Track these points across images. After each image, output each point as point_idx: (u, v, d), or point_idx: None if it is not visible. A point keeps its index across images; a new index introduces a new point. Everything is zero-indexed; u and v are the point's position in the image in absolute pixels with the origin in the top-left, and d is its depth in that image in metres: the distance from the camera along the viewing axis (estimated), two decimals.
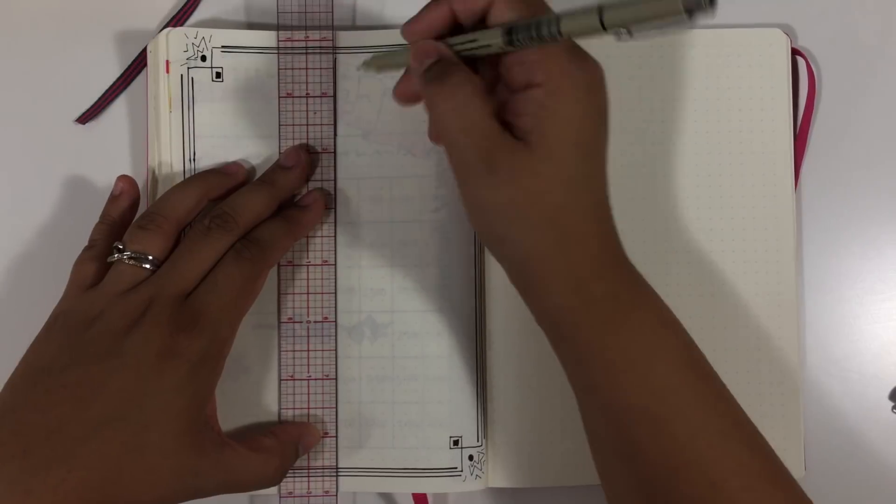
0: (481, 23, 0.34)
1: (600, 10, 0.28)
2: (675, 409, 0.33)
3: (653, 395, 0.33)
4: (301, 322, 0.43)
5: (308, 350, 0.43)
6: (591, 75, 0.33)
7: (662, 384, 0.33)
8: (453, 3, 0.34)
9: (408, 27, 0.35)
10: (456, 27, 0.35)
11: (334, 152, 0.44)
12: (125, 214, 0.42)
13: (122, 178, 0.43)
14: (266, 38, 0.44)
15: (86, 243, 0.41)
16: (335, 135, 0.44)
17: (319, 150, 0.44)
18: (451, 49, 0.34)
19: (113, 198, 0.42)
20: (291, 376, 0.43)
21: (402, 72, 0.37)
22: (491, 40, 0.33)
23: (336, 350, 0.43)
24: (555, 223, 0.33)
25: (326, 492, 0.43)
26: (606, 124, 0.34)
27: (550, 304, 0.35)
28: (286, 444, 0.40)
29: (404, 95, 0.37)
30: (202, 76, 0.44)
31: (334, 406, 0.43)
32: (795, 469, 0.44)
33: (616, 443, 0.34)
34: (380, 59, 0.39)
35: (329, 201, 0.44)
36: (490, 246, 0.36)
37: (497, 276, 0.44)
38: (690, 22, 0.26)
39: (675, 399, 0.33)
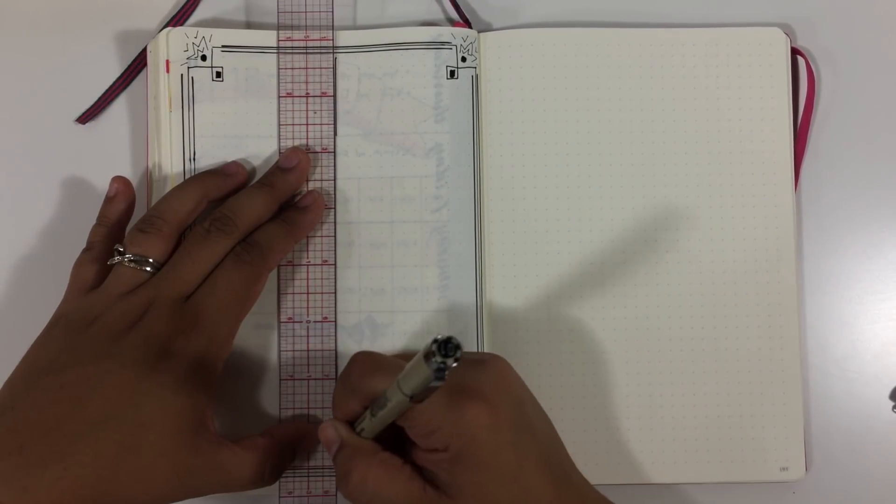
0: None
1: (398, 382, 0.31)
2: None
3: None
4: (301, 322, 0.43)
5: (308, 350, 0.43)
6: (484, 412, 0.34)
7: None
8: (338, 415, 0.37)
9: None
10: None
11: (334, 152, 0.44)
12: (121, 216, 0.42)
13: (117, 179, 0.43)
14: (266, 37, 0.44)
15: (85, 244, 0.41)
16: (335, 135, 0.44)
17: (319, 150, 0.44)
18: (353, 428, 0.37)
19: (108, 199, 0.42)
20: (291, 376, 0.43)
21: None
22: (365, 416, 0.36)
23: (336, 350, 0.43)
24: None
25: (326, 492, 0.42)
26: (526, 425, 0.35)
27: None
28: (282, 445, 0.40)
29: None
30: (202, 76, 0.44)
31: None
32: (796, 469, 0.44)
33: None
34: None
35: (329, 201, 0.44)
36: None
37: (497, 276, 0.44)
38: (442, 378, 0.29)
39: None
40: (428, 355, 0.28)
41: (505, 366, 0.37)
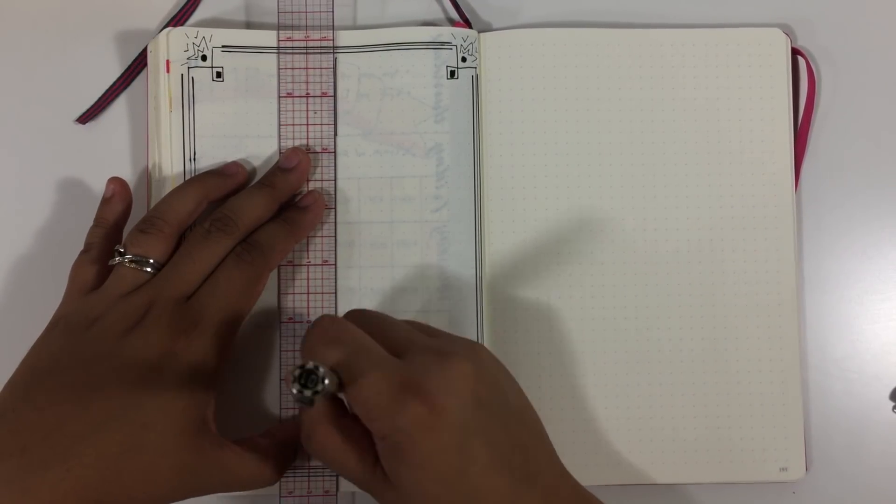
0: None
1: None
2: None
3: None
4: (301, 322, 0.43)
5: None
6: (422, 414, 0.32)
7: None
8: None
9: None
10: None
11: (334, 152, 0.44)
12: (119, 216, 0.42)
13: (113, 179, 0.43)
14: (266, 37, 0.44)
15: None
16: (335, 135, 0.44)
17: (319, 150, 0.44)
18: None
19: (105, 200, 0.42)
20: None
21: None
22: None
23: None
24: None
25: (326, 491, 0.42)
26: (481, 429, 0.33)
27: None
28: (283, 445, 0.40)
29: None
30: (202, 76, 0.44)
31: None
32: (796, 469, 0.44)
33: None
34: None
35: (329, 201, 0.44)
36: None
37: (497, 276, 0.44)
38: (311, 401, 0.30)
39: None
40: (293, 388, 0.29)
41: (473, 362, 0.34)
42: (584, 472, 0.38)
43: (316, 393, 0.29)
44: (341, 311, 0.43)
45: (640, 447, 0.44)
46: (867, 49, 0.47)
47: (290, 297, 0.43)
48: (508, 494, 0.33)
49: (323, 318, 0.36)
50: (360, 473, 0.35)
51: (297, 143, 0.43)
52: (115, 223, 0.42)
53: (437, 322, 0.43)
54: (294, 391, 0.29)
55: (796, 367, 0.44)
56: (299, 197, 0.43)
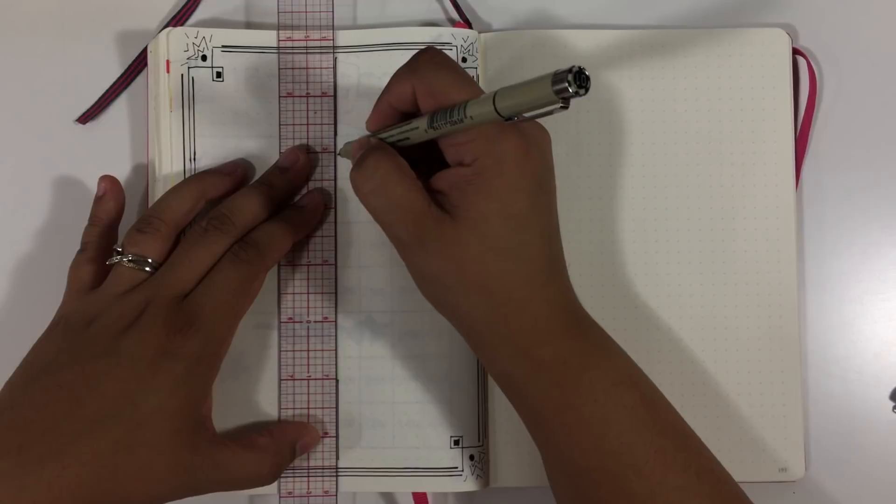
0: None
1: (494, 99, 0.31)
2: (633, 468, 0.34)
3: (610, 456, 0.34)
4: (301, 322, 0.43)
5: (308, 350, 0.43)
6: (521, 150, 0.34)
7: (619, 444, 0.34)
8: (390, 98, 0.36)
9: (367, 122, 0.38)
10: (408, 116, 0.37)
11: (334, 152, 0.44)
12: (112, 214, 0.42)
13: (105, 178, 0.43)
14: (266, 37, 0.44)
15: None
16: (335, 134, 0.44)
17: (319, 150, 0.44)
18: (384, 140, 0.37)
19: (98, 199, 0.43)
20: (291, 376, 0.43)
21: None
22: (419, 125, 0.35)
23: (336, 350, 0.43)
24: (489, 291, 0.34)
25: (326, 492, 0.43)
26: (546, 192, 0.36)
27: (500, 368, 0.36)
28: (282, 443, 0.40)
29: None
30: (203, 76, 0.44)
31: (334, 406, 0.43)
32: (796, 469, 0.44)
33: (577, 499, 0.35)
34: (348, 147, 0.41)
35: (329, 201, 0.44)
36: (439, 311, 0.37)
37: None
38: (566, 107, 0.30)
39: (631, 458, 0.34)
40: (557, 79, 0.28)
41: (548, 139, 0.36)
42: None
43: (576, 95, 0.29)
44: (341, 311, 0.43)
45: None
46: (868, 49, 0.47)
47: (289, 297, 0.43)
48: (546, 269, 0.35)
49: (429, 48, 0.36)
50: (420, 203, 0.34)
51: (297, 143, 0.43)
52: (110, 221, 0.42)
53: (437, 321, 0.43)
54: (567, 84, 0.28)
55: (796, 367, 0.44)
56: (299, 196, 0.43)
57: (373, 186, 0.35)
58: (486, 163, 0.34)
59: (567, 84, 0.28)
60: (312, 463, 0.43)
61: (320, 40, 0.44)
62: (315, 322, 0.43)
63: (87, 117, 0.45)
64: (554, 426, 0.35)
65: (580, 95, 0.28)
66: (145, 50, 0.45)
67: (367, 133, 0.38)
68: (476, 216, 0.34)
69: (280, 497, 0.42)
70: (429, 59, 0.35)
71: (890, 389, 0.45)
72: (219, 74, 0.44)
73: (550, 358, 0.34)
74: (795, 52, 0.45)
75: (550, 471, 0.37)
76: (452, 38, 0.44)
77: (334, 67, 0.44)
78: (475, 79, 0.44)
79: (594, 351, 0.36)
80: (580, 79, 0.28)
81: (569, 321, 0.36)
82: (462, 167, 0.34)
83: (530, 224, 0.34)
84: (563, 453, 0.35)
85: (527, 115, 0.31)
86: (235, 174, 0.43)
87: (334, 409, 0.43)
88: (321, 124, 0.44)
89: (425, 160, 0.36)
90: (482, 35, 0.45)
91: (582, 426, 0.34)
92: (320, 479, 0.43)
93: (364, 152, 0.36)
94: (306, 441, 0.42)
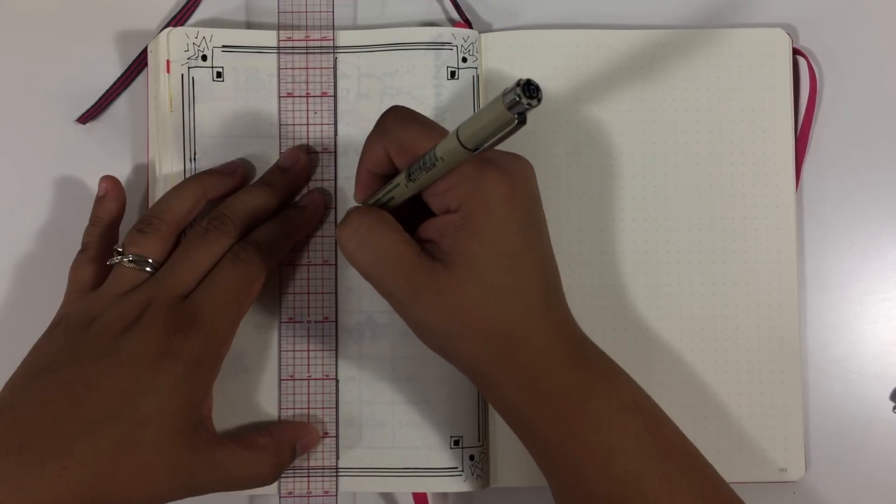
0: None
1: (457, 133, 0.31)
2: (640, 494, 0.34)
3: (617, 484, 0.34)
4: (301, 322, 0.43)
5: (308, 350, 0.43)
6: (505, 185, 0.34)
7: (624, 472, 0.34)
8: (367, 165, 0.36)
9: (354, 195, 0.38)
10: (390, 177, 0.37)
11: (334, 152, 0.44)
12: (113, 214, 0.42)
13: (106, 178, 0.43)
14: (266, 37, 0.44)
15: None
16: (335, 134, 0.44)
17: (319, 149, 0.44)
18: (371, 205, 0.37)
19: (98, 199, 0.43)
20: (291, 376, 0.43)
21: None
22: (399, 181, 0.35)
23: (336, 350, 0.43)
24: (491, 332, 0.34)
25: (326, 492, 0.43)
26: (535, 223, 0.36)
27: (506, 405, 0.36)
28: (282, 443, 0.40)
29: None
30: (203, 76, 0.44)
31: (334, 406, 0.43)
32: (796, 470, 0.44)
33: None
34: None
35: (329, 201, 0.44)
36: (444, 358, 0.37)
37: None
38: (523, 122, 0.29)
39: (637, 486, 0.34)
40: (507, 96, 0.28)
41: (531, 169, 0.36)
42: None
43: (530, 108, 0.28)
44: (341, 311, 0.43)
45: None
46: (868, 49, 0.47)
47: (290, 297, 0.43)
48: (545, 302, 0.35)
49: (393, 107, 0.36)
50: (410, 254, 0.34)
51: (297, 143, 0.43)
52: (110, 221, 0.42)
53: None
54: (517, 98, 0.28)
55: (796, 367, 0.44)
56: (300, 196, 0.43)
57: (359, 241, 0.35)
58: (472, 205, 0.34)
59: (517, 97, 0.28)
60: (312, 463, 0.43)
61: (320, 40, 0.44)
62: (315, 322, 0.43)
63: (87, 117, 0.45)
64: (559, 457, 0.35)
65: (533, 107, 0.28)
66: (145, 50, 0.45)
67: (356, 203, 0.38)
68: (470, 259, 0.34)
69: (280, 497, 0.42)
70: (392, 117, 0.36)
71: (890, 389, 0.45)
72: (219, 74, 0.44)
73: (555, 390, 0.35)
74: (795, 52, 0.45)
75: (557, 498, 0.37)
76: (452, 38, 0.44)
77: (334, 67, 0.44)
78: (475, 79, 0.44)
79: (597, 378, 0.35)
80: (529, 90, 0.28)
81: (570, 350, 0.36)
82: (449, 214, 0.34)
83: (524, 259, 0.35)
84: (569, 482, 0.35)
85: (491, 140, 0.31)
86: (235, 174, 0.43)
87: (334, 409, 0.43)
88: (321, 124, 0.44)
89: (415, 218, 0.36)
90: (482, 35, 0.45)
91: (587, 456, 0.34)
92: (320, 479, 0.43)
93: (347, 211, 0.36)
94: (306, 441, 0.42)
